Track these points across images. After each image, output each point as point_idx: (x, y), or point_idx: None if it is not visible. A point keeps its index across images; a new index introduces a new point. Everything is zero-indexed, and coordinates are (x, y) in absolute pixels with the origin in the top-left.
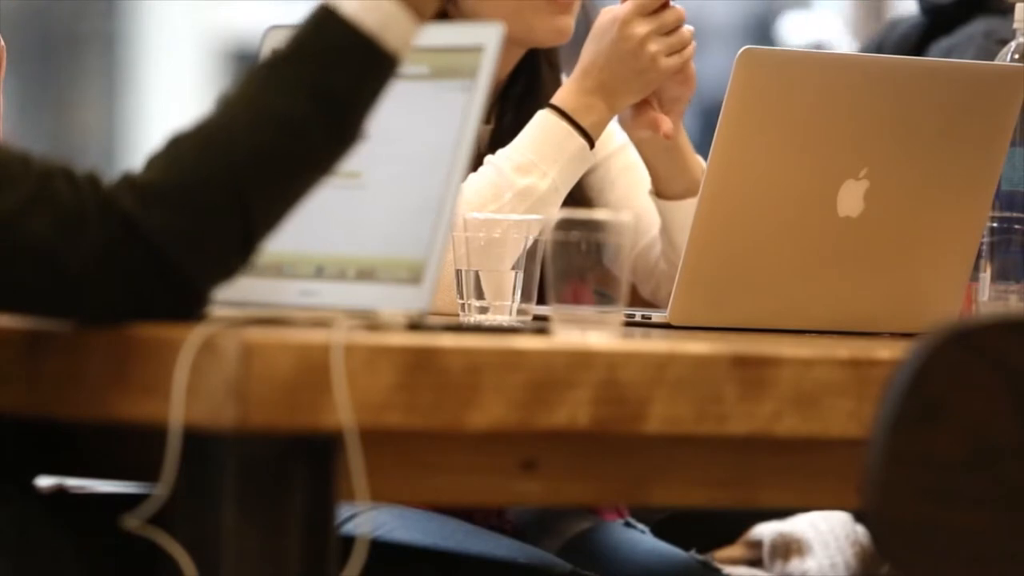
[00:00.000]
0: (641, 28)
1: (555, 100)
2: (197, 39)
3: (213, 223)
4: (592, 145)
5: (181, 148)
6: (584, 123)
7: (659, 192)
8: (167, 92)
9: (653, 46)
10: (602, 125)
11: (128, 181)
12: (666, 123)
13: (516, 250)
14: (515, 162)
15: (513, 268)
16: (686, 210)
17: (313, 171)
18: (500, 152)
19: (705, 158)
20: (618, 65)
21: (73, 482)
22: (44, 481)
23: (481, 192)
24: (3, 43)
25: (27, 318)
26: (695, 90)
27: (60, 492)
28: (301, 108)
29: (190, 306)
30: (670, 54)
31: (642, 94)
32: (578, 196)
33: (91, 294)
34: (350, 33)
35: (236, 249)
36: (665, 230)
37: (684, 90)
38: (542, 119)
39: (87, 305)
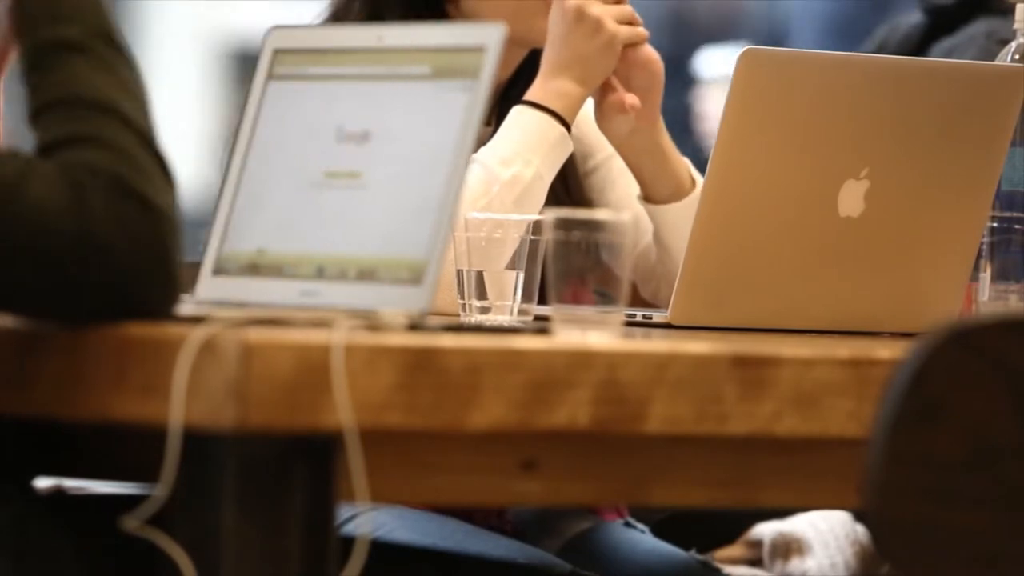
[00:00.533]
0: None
1: (526, 96)
2: (199, 39)
3: (144, 157)
4: (569, 129)
5: (61, 136)
6: (556, 107)
7: (647, 196)
8: (169, 92)
9: (595, 9)
10: (575, 106)
11: (70, 159)
12: (630, 97)
13: (516, 249)
14: (499, 156)
15: (514, 268)
16: (675, 213)
17: (142, 92)
18: (482, 150)
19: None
20: (570, 37)
21: (72, 483)
22: (43, 482)
23: (472, 188)
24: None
25: (24, 319)
26: (663, 80)
27: (59, 493)
28: (100, 51)
29: (179, 243)
30: (619, 23)
31: (606, 63)
32: (579, 196)
33: (99, 253)
34: None
35: (165, 165)
36: (656, 234)
37: (650, 77)
38: (517, 113)
39: (98, 266)
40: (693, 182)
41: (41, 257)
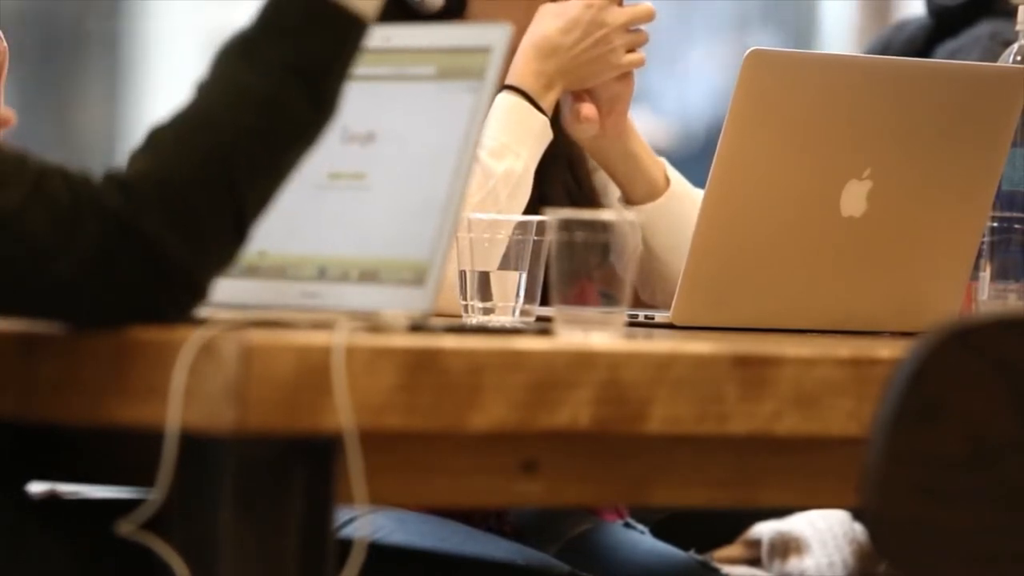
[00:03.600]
0: (615, 18)
1: (515, 81)
2: (201, 39)
3: (204, 212)
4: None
5: (162, 140)
6: (544, 104)
7: (625, 199)
8: (171, 93)
9: (618, 39)
10: (555, 101)
11: (112, 179)
12: (587, 108)
13: (518, 249)
14: (488, 148)
15: (516, 269)
16: (649, 214)
17: (297, 147)
18: None
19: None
20: (582, 52)
21: (68, 487)
22: (39, 486)
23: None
24: (5, 45)
25: (23, 321)
26: (632, 93)
27: (55, 497)
28: (279, 85)
29: (189, 301)
30: (628, 51)
31: (587, 82)
32: (582, 197)
33: (87, 295)
34: (317, 3)
35: (229, 235)
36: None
37: (623, 88)
38: (508, 103)
39: (83, 307)
40: (668, 181)
41: (33, 294)
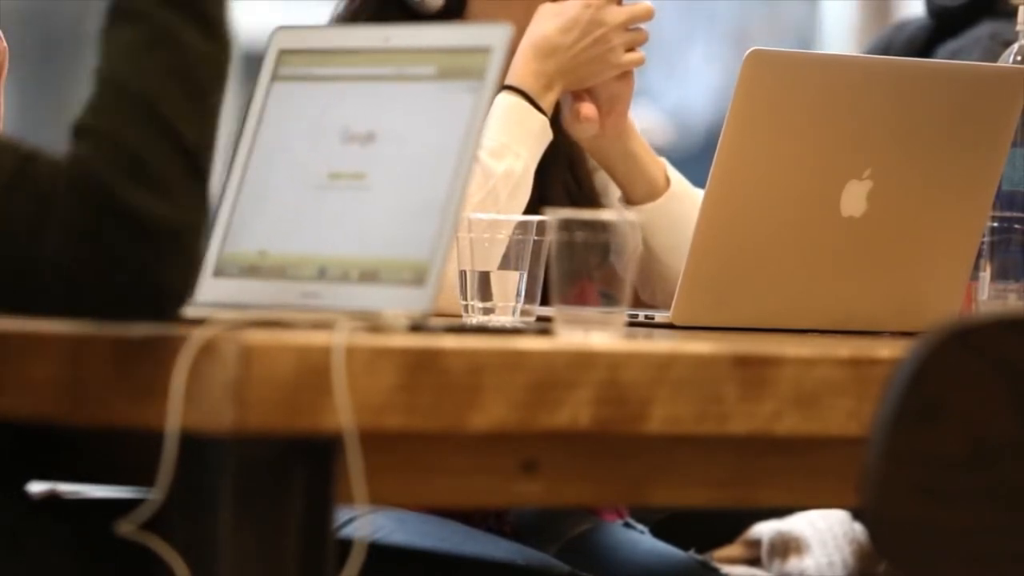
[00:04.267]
0: (614, 16)
1: (515, 81)
2: None
3: (150, 157)
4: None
5: (83, 122)
6: (543, 104)
7: (625, 199)
8: None
9: (617, 38)
10: (554, 101)
11: (68, 155)
12: (587, 108)
13: (518, 249)
14: (487, 148)
15: (516, 269)
16: (649, 214)
17: (208, 79)
18: None
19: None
20: (581, 51)
21: (67, 487)
22: (38, 486)
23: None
24: (5, 45)
25: (22, 319)
26: (632, 92)
27: (54, 497)
28: (162, 22)
29: (176, 256)
30: (628, 50)
31: (587, 82)
32: (582, 197)
33: (72, 272)
34: None
35: (188, 177)
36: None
37: (623, 87)
38: (508, 104)
39: (72, 285)
40: (668, 181)
41: (16, 281)
